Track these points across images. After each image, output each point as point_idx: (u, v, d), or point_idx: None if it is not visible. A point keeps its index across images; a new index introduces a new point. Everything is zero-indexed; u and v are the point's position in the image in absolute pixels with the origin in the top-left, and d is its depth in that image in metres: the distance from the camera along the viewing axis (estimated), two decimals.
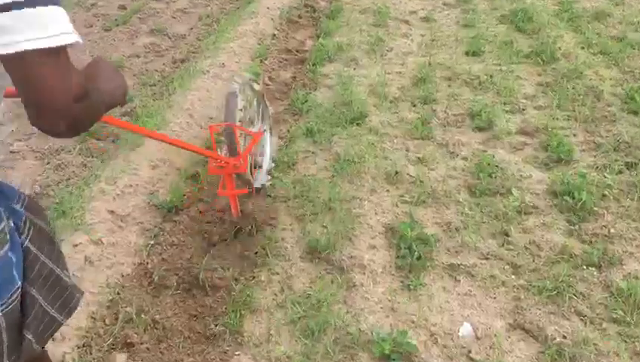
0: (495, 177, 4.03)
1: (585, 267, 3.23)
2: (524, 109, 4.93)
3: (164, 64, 6.32)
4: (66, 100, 1.16)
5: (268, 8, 7.49)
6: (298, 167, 4.35)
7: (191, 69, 5.72)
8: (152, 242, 3.62)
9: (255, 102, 3.93)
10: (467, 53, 6.05)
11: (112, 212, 3.66)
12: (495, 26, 6.75)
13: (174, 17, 7.76)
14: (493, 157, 4.25)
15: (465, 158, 4.30)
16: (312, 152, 4.51)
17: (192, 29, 7.42)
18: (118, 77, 1.56)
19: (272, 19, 7.27)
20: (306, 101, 5.27)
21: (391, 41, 6.53)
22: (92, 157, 4.58)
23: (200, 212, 3.94)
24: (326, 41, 6.60)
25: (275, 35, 6.87)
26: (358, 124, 4.77)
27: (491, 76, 5.49)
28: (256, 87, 3.87)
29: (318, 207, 3.82)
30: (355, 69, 5.88)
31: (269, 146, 4.25)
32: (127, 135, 4.56)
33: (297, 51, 6.54)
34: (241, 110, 3.42)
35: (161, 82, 5.85)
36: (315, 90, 5.57)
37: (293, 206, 3.87)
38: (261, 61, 6.16)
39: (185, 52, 6.59)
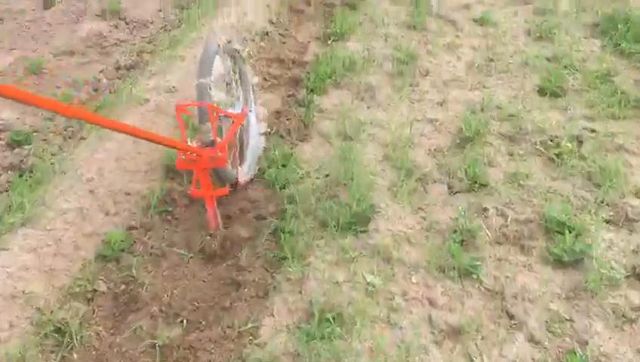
0: None
1: None
2: (635, 221, 2.96)
3: (101, 71, 4.44)
4: None
5: None
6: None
7: (124, 94, 3.84)
8: None
9: (237, 75, 3.32)
10: (541, 91, 4.03)
11: None
12: (584, 41, 4.65)
13: None
14: (586, 346, 2.35)
15: (534, 340, 2.41)
16: (273, 286, 2.66)
17: (159, 10, 5.47)
18: None
19: (267, 5, 5.26)
20: (285, 165, 3.38)
21: (428, 56, 4.51)
22: None
23: None
24: (335, 48, 4.63)
25: (267, 32, 4.88)
26: (355, 233, 2.88)
27: (580, 141, 3.50)
28: (238, 52, 3.32)
29: None
30: (369, 107, 3.92)
31: (255, 129, 3.51)
32: None
33: (293, 63, 4.58)
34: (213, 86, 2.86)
35: (84, 107, 3.99)
36: (304, 140, 3.67)
37: None
38: None
39: (136, 52, 4.69)
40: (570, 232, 2.80)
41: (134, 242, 2.90)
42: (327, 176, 3.30)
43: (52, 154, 3.49)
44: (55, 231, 2.75)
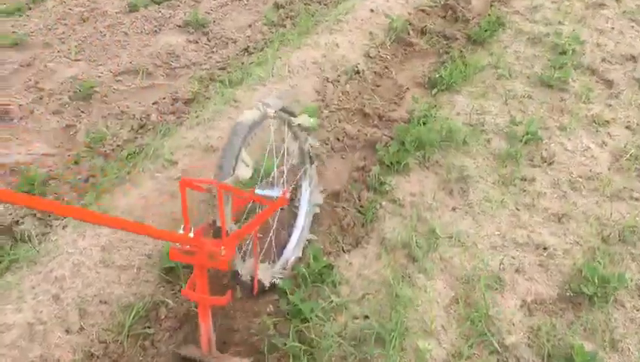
0: None
1: None
2: None
3: (155, 103, 3.82)
4: None
5: (372, 12, 4.52)
6: None
7: (152, 149, 3.16)
8: None
9: (292, 147, 2.59)
10: None
11: None
12: None
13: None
14: None
15: None
16: None
17: (250, 26, 4.75)
18: None
19: (370, 32, 4.32)
20: (319, 283, 2.50)
21: (559, 134, 3.33)
22: None
23: None
24: (438, 102, 3.62)
25: (358, 71, 3.95)
26: None
27: None
28: (299, 121, 2.50)
29: None
30: (454, 208, 2.88)
31: (301, 225, 2.74)
32: None
33: (380, 118, 3.62)
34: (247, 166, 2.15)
35: (115, 151, 3.39)
36: (357, 245, 2.74)
37: None
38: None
39: (203, 79, 4.00)
40: None
41: None
42: (366, 318, 2.37)
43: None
44: None
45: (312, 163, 2.72)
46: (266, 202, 2.41)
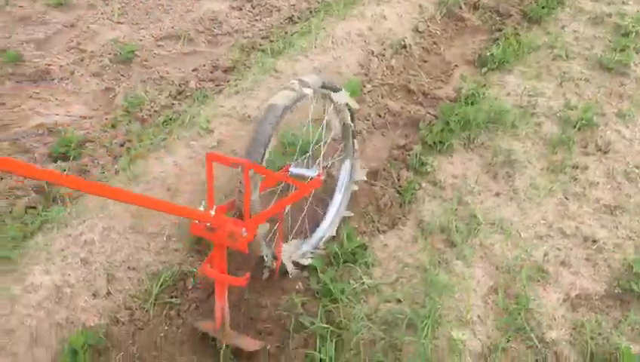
0: None
1: None
2: None
3: (195, 70, 3.75)
4: None
5: None
6: None
7: (189, 116, 3.09)
8: None
9: (334, 121, 2.47)
10: None
11: None
12: None
13: None
14: None
15: None
16: None
17: None
18: None
19: (420, 5, 4.14)
20: (351, 262, 2.42)
21: (616, 121, 3.12)
22: None
23: None
24: (487, 81, 3.44)
25: (405, 45, 3.79)
26: None
27: None
28: (339, 97, 2.35)
29: None
30: (498, 193, 2.74)
31: (338, 201, 2.63)
32: None
33: (424, 95, 3.47)
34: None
35: (153, 116, 3.34)
36: (394, 226, 2.64)
37: None
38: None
39: (244, 48, 3.91)
40: None
41: (111, 347, 2.18)
42: (398, 302, 2.27)
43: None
44: (12, 317, 2.12)
45: (354, 137, 2.60)
46: (298, 183, 2.32)
